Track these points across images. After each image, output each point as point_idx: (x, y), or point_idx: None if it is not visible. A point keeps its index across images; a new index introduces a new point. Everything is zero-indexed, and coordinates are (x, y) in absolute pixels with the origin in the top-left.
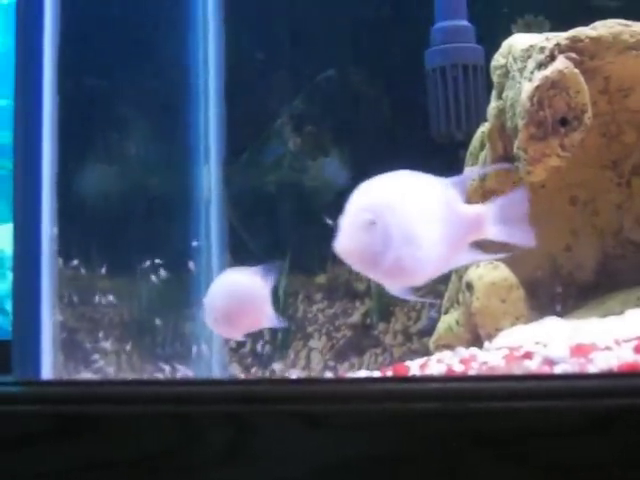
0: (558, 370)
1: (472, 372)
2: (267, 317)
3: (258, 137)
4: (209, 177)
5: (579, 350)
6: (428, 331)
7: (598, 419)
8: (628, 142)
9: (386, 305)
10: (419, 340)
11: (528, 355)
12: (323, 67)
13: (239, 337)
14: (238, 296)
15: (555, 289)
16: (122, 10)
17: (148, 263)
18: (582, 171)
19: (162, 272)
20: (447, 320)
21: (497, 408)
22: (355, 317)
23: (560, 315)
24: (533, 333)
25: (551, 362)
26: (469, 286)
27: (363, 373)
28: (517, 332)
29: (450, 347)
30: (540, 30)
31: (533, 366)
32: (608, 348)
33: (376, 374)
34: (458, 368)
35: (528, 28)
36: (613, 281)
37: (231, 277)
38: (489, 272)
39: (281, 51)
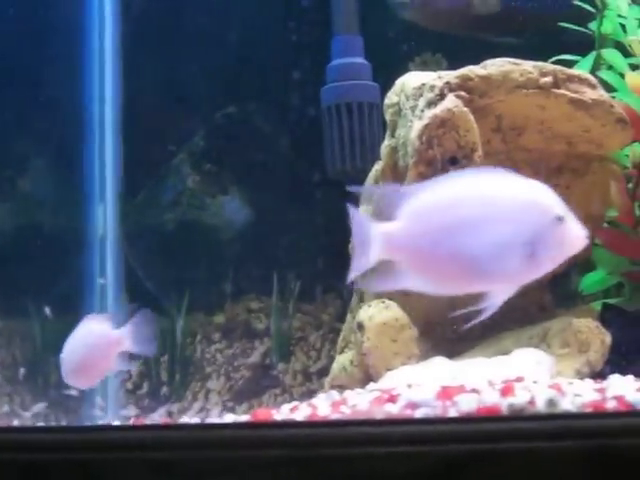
0: (420, 414)
1: (338, 416)
2: (117, 361)
3: (156, 174)
4: (105, 215)
5: (445, 393)
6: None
7: (452, 464)
8: None
9: (286, 345)
10: (318, 380)
11: (392, 398)
12: (223, 104)
13: (92, 385)
14: (84, 347)
15: (451, 328)
16: (14, 45)
17: (38, 303)
18: None
19: (49, 312)
20: (341, 360)
21: (351, 454)
22: (254, 357)
23: (456, 355)
24: (416, 374)
25: (414, 405)
26: (360, 326)
27: (230, 418)
28: (402, 373)
29: (344, 387)
30: (437, 68)
31: (395, 410)
32: (475, 390)
33: (244, 418)
34: (324, 412)
35: (425, 66)
36: (510, 319)
37: (80, 329)
38: (380, 312)
39: (180, 88)
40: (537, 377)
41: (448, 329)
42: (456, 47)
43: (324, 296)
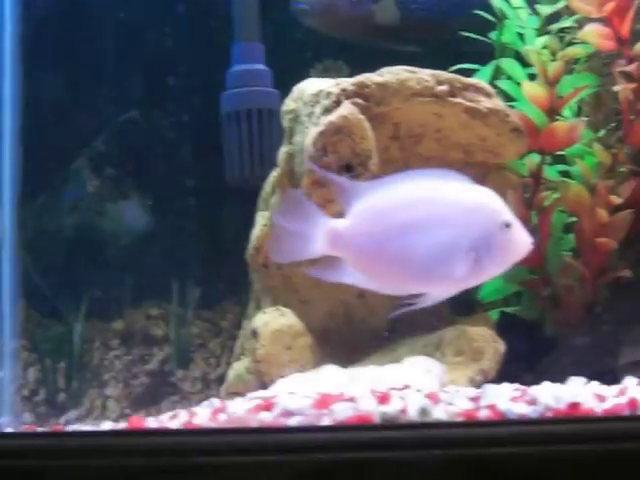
0: (294, 422)
1: (212, 424)
2: None
3: (55, 179)
4: (1, 220)
5: (321, 401)
6: None
7: (314, 472)
8: None
9: (185, 351)
10: (218, 387)
11: (268, 406)
12: (124, 109)
13: None
14: None
15: (348, 336)
16: None
17: None
18: None
19: None
20: (237, 367)
21: (216, 462)
22: (153, 364)
23: (351, 363)
24: (304, 382)
25: (289, 413)
26: (255, 333)
27: (107, 425)
28: (290, 381)
29: (240, 395)
30: (338, 75)
31: (269, 418)
32: (352, 399)
33: (121, 426)
34: (201, 420)
35: (327, 73)
36: (407, 327)
37: None
38: (275, 319)
39: (81, 91)
40: (425, 385)
41: (345, 337)
42: (359, 55)
43: (224, 303)
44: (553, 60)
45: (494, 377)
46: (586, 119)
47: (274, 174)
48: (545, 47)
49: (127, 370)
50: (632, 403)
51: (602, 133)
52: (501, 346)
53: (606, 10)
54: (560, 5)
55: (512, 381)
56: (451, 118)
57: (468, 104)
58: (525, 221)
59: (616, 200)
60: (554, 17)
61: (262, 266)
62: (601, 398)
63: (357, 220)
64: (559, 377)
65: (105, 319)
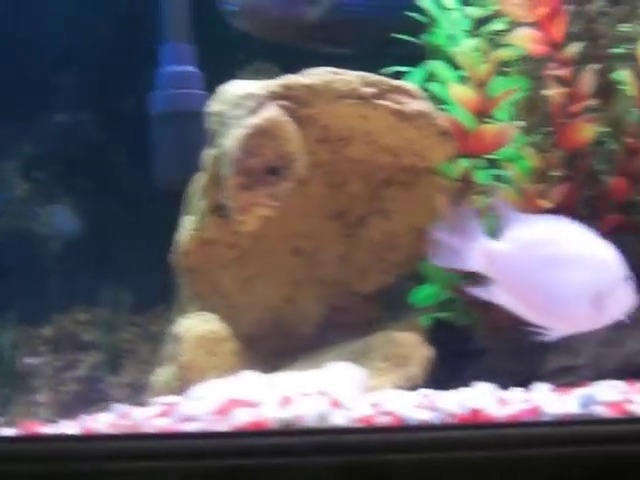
0: (191, 427)
1: (112, 430)
2: None
3: None
4: None
5: (222, 407)
6: None
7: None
8: (353, 192)
9: (115, 357)
10: (148, 393)
11: (167, 412)
12: (53, 111)
13: None
14: None
15: (276, 342)
16: None
17: None
18: (306, 222)
19: None
20: (162, 373)
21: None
22: (82, 370)
23: (277, 369)
24: (222, 388)
25: (188, 419)
26: (177, 338)
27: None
28: (207, 387)
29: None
30: (269, 77)
31: (166, 423)
32: (253, 405)
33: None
34: (101, 426)
35: (257, 75)
36: (337, 334)
37: None
38: (198, 324)
39: (8, 93)
40: (345, 391)
41: (273, 343)
42: (291, 57)
43: (155, 307)
44: (483, 62)
45: (421, 383)
46: (519, 122)
47: (199, 177)
48: (475, 49)
49: (56, 376)
50: (534, 410)
51: (535, 137)
52: (428, 352)
53: (537, 14)
54: (491, 8)
55: (439, 387)
56: (378, 121)
57: (395, 106)
58: None
59: (545, 204)
60: (488, 20)
61: (188, 271)
62: (505, 404)
63: (512, 245)
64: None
65: (33, 324)
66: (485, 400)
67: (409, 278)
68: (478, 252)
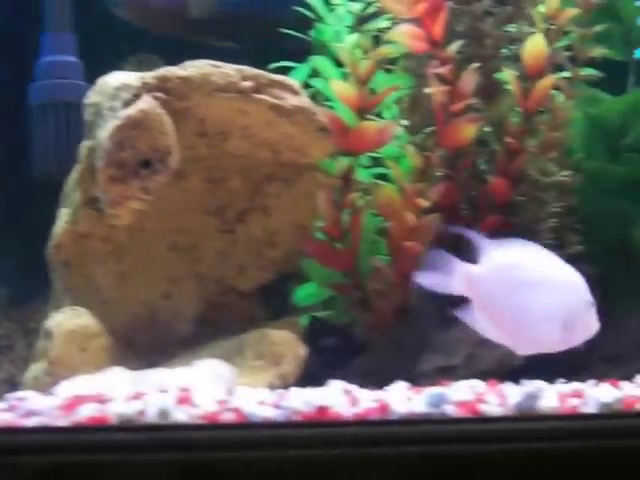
0: (33, 422)
1: None
2: None
3: None
4: None
5: (69, 402)
6: None
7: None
8: (233, 188)
9: None
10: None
11: (12, 408)
12: None
13: None
14: None
15: (152, 338)
16: None
17: None
18: (185, 216)
19: None
20: (35, 369)
21: None
22: None
23: (152, 365)
24: (88, 384)
25: (31, 413)
26: (48, 334)
27: None
28: (75, 383)
29: None
30: (152, 68)
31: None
32: (103, 400)
33: None
34: None
35: (140, 66)
36: (215, 330)
37: None
38: (69, 319)
39: None
40: (211, 389)
41: (149, 339)
42: (176, 49)
43: (32, 302)
44: (365, 59)
45: (295, 382)
46: (402, 121)
47: (76, 169)
48: (357, 46)
49: None
50: (382, 408)
51: (418, 136)
52: (302, 351)
53: (418, 11)
54: (375, 4)
55: (314, 386)
56: (256, 115)
57: (273, 101)
58: (335, 223)
59: (423, 203)
60: (373, 16)
61: (62, 264)
62: (356, 402)
63: (488, 268)
64: (361, 382)
65: None
66: (336, 398)
67: (293, 277)
68: (457, 276)
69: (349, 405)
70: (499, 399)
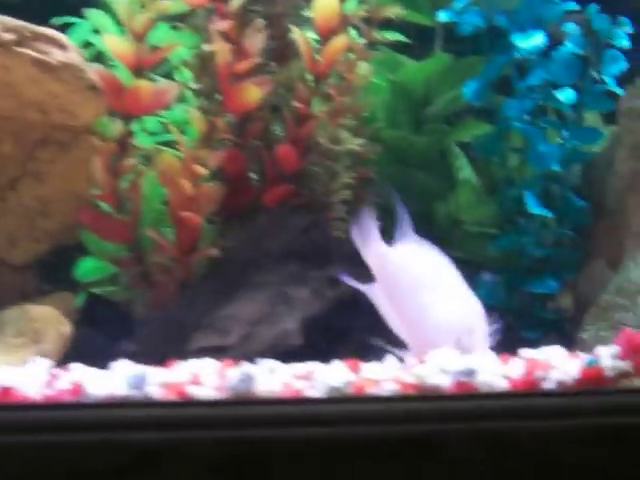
0: None
1: None
2: None
3: None
4: None
5: None
6: None
7: None
8: (3, 152)
9: None
10: None
11: None
12: None
13: None
14: None
15: None
16: None
17: None
18: None
19: None
20: None
21: None
22: None
23: None
24: None
25: None
26: None
27: None
28: None
29: None
30: None
31: None
32: None
33: None
34: None
35: None
36: None
37: None
38: None
39: None
40: None
41: None
42: None
43: None
44: (142, 14)
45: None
46: (189, 83)
47: None
48: (133, 0)
49: None
50: (76, 390)
51: (205, 99)
52: (66, 328)
53: None
54: None
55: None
56: (19, 71)
57: (37, 56)
58: (111, 191)
59: (201, 170)
60: None
61: None
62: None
63: (402, 255)
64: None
65: None
66: (33, 379)
67: (77, 250)
68: (372, 251)
69: (43, 386)
70: (220, 380)
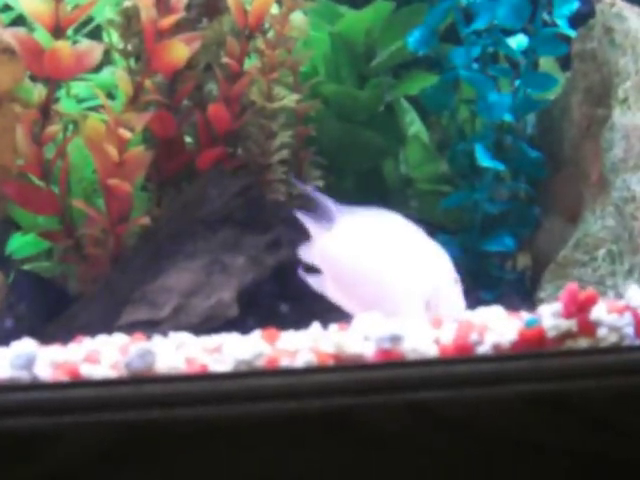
0: None
1: None
2: None
3: None
4: None
5: None
6: None
7: None
8: None
9: None
10: None
11: None
12: None
13: None
14: None
15: None
16: None
17: None
18: None
19: None
20: None
21: None
22: None
23: None
24: None
25: None
26: None
27: None
28: None
29: None
30: None
31: None
32: None
33: None
34: None
35: None
36: None
37: None
38: None
39: None
40: None
41: None
42: None
43: None
44: None
45: None
46: (115, 42)
47: None
48: None
49: None
50: None
51: (134, 59)
52: None
53: None
54: None
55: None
56: None
57: None
58: (36, 161)
59: (126, 134)
60: None
61: None
62: None
63: (338, 237)
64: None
65: None
66: None
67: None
68: (313, 250)
69: None
70: (121, 356)
